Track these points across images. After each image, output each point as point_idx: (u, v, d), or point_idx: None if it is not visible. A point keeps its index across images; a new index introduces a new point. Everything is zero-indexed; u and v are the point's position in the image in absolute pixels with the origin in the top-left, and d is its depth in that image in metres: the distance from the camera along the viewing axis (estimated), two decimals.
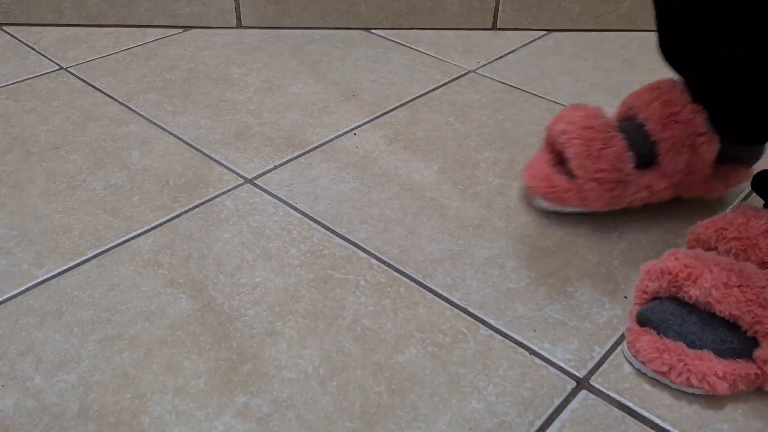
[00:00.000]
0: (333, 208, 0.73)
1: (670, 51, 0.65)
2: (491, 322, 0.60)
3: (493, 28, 1.15)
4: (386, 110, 0.92)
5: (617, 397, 0.53)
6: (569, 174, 0.68)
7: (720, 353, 0.52)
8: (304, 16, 1.14)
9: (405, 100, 0.94)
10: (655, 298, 0.57)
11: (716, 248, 0.58)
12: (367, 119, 0.89)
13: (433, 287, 0.63)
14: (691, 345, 0.53)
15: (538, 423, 0.51)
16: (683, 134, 0.64)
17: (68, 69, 1.01)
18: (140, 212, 0.72)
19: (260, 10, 1.13)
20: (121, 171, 0.79)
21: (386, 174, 0.79)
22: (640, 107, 0.67)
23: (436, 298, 0.62)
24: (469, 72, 1.02)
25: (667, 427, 0.51)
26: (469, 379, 0.54)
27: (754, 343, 0.52)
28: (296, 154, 0.82)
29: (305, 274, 0.64)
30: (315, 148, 0.84)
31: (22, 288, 0.63)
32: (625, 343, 0.56)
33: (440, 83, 0.99)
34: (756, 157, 0.70)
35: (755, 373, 0.52)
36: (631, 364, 0.55)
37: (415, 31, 1.15)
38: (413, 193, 0.76)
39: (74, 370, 0.55)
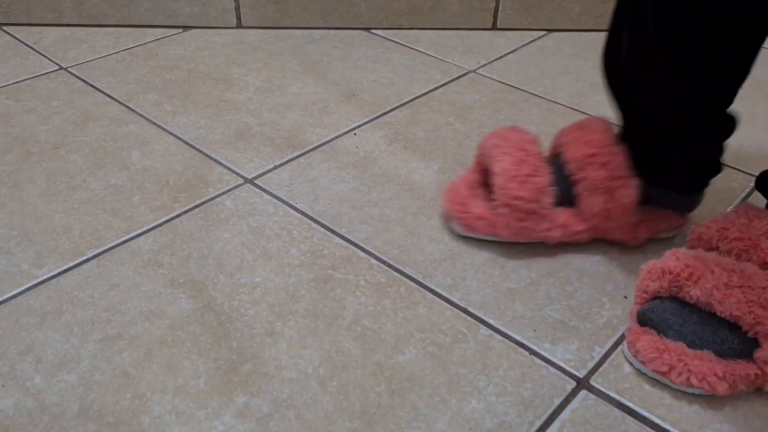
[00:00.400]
0: (333, 208, 0.73)
1: (607, 68, 0.64)
2: (491, 322, 0.60)
3: (493, 28, 1.15)
4: (386, 110, 0.92)
5: (617, 397, 0.53)
6: (488, 198, 0.67)
7: (720, 353, 0.52)
8: (304, 16, 1.14)
9: (405, 100, 0.94)
10: (655, 298, 0.57)
11: (718, 248, 0.58)
12: (367, 119, 0.89)
13: (433, 287, 0.63)
14: (692, 345, 0.53)
15: (538, 423, 0.51)
16: (600, 177, 0.63)
17: (68, 69, 1.01)
18: (140, 212, 0.72)
19: (260, 10, 1.13)
20: (121, 171, 0.79)
21: (386, 174, 0.79)
22: (565, 145, 0.66)
23: (436, 298, 0.62)
24: (469, 72, 1.02)
25: (667, 427, 0.51)
26: (469, 379, 0.54)
27: (755, 343, 0.52)
28: (296, 154, 0.82)
29: (305, 274, 0.64)
30: (315, 148, 0.84)
31: (22, 288, 0.63)
32: (625, 342, 0.56)
33: (440, 83, 0.99)
34: (691, 207, 0.67)
35: (755, 374, 0.52)
36: (631, 363, 0.55)
37: (415, 31, 1.15)
38: (413, 193, 0.76)
39: (74, 370, 0.55)
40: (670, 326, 0.54)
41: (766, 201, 0.65)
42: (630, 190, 0.62)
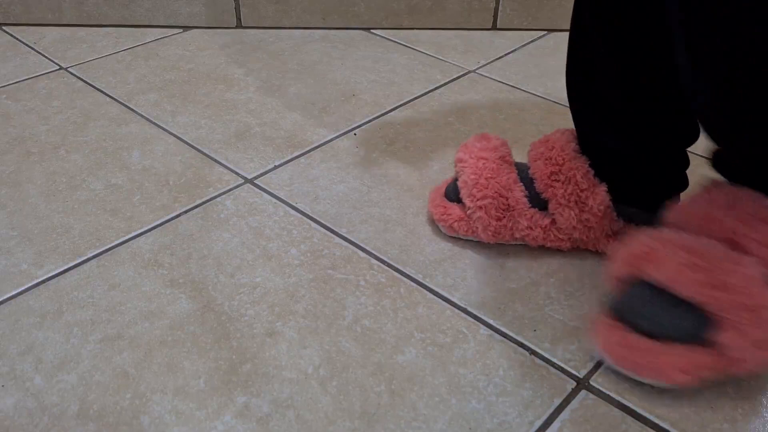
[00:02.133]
0: (333, 208, 0.73)
1: (569, 79, 0.64)
2: (491, 322, 0.60)
3: (493, 28, 1.15)
4: (386, 110, 0.92)
5: (617, 397, 0.53)
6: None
7: (684, 340, 0.51)
8: (303, 16, 1.14)
9: (405, 100, 0.94)
10: (626, 283, 0.56)
11: (684, 228, 0.57)
12: (367, 119, 0.89)
13: (433, 287, 0.63)
14: (658, 335, 0.52)
15: (538, 423, 0.51)
16: (566, 192, 0.63)
17: (68, 69, 1.01)
18: (140, 212, 0.72)
19: (260, 11, 1.13)
20: (121, 171, 0.79)
21: (386, 174, 0.79)
22: (531, 161, 0.66)
23: (436, 298, 0.62)
24: (469, 72, 1.02)
25: (667, 427, 0.51)
26: (469, 379, 0.54)
27: (718, 327, 0.51)
28: (296, 154, 0.82)
29: (305, 274, 0.64)
30: (315, 148, 0.84)
31: (22, 288, 0.63)
32: (595, 337, 0.55)
33: (440, 83, 0.99)
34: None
35: (716, 360, 0.51)
36: (603, 360, 0.55)
37: (415, 31, 1.15)
38: (413, 193, 0.76)
39: (74, 370, 0.55)
40: (639, 314, 0.53)
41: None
42: (600, 197, 0.62)
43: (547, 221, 0.64)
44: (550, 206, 0.64)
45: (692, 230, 0.55)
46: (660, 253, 0.53)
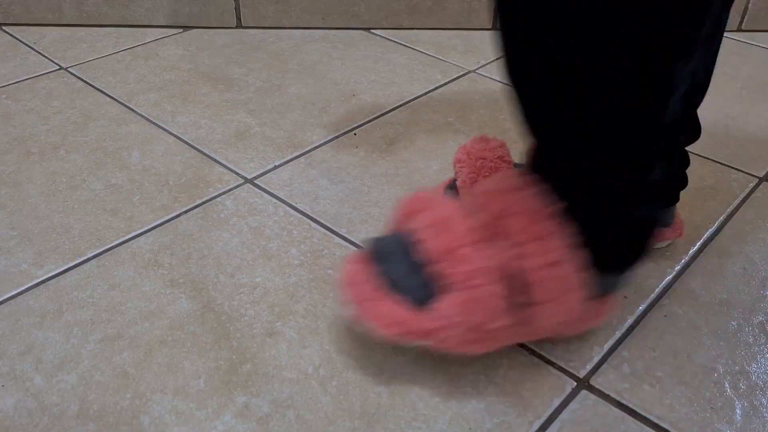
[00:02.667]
0: (333, 208, 0.73)
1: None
2: None
3: (493, 28, 1.15)
4: (386, 110, 0.92)
5: (617, 397, 0.53)
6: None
7: (417, 300, 0.50)
8: (303, 16, 1.14)
9: (405, 100, 0.94)
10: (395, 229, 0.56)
11: (472, 201, 0.56)
12: (367, 119, 0.89)
13: None
14: (392, 283, 0.51)
15: (538, 423, 0.51)
16: None
17: (68, 69, 1.01)
18: (140, 212, 0.72)
19: (260, 10, 1.13)
20: (121, 171, 0.79)
21: (386, 174, 0.79)
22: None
23: None
24: (469, 72, 1.02)
25: (667, 427, 0.51)
26: (469, 379, 0.54)
27: (439, 294, 0.50)
28: (296, 154, 0.82)
29: (305, 274, 0.64)
30: (315, 148, 0.84)
31: (22, 288, 0.63)
32: (345, 265, 0.54)
33: (440, 83, 0.99)
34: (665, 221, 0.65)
35: (430, 326, 0.50)
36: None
37: (415, 31, 1.15)
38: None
39: (74, 370, 0.55)
40: (389, 259, 0.52)
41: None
42: None
43: None
44: None
45: (473, 206, 0.54)
46: (418, 209, 0.53)
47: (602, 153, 0.48)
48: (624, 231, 0.52)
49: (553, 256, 0.50)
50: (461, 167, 0.68)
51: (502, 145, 0.69)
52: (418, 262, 0.52)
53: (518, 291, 0.50)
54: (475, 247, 0.50)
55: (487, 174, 0.65)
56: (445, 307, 0.49)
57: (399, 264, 0.52)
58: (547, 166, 0.52)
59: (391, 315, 0.50)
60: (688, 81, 0.48)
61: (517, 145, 0.81)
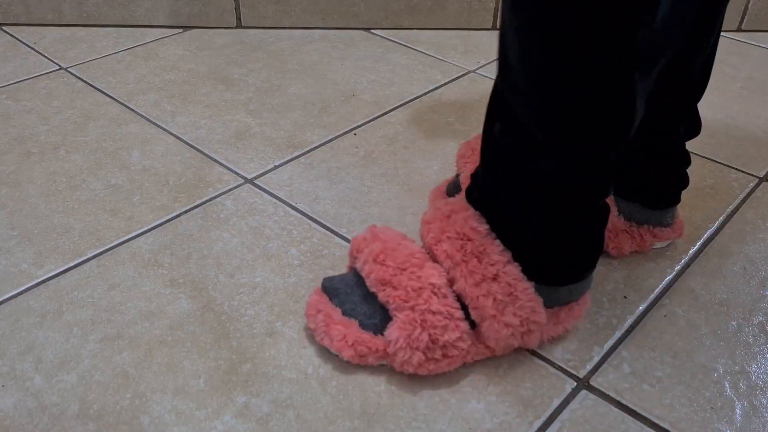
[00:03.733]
0: (333, 208, 0.73)
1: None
2: None
3: (493, 28, 1.15)
4: (386, 110, 0.92)
5: (617, 397, 0.53)
6: None
7: (365, 326, 0.54)
8: (303, 16, 1.14)
9: (405, 100, 0.94)
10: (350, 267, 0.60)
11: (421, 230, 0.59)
12: (367, 119, 0.89)
13: None
14: (345, 313, 0.55)
15: (538, 423, 0.51)
16: None
17: (68, 69, 1.01)
18: (140, 212, 0.72)
19: (260, 10, 1.13)
20: (121, 171, 0.79)
21: (386, 174, 0.79)
22: None
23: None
24: (469, 72, 1.02)
25: (666, 426, 0.51)
26: (469, 379, 0.54)
27: (389, 320, 0.54)
28: (296, 154, 0.82)
29: (305, 274, 0.64)
30: (315, 148, 0.84)
31: (22, 288, 0.63)
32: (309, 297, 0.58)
33: (440, 83, 0.99)
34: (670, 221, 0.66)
35: (383, 350, 0.53)
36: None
37: (415, 31, 1.15)
38: (413, 193, 0.76)
39: (74, 370, 0.55)
40: (338, 295, 0.56)
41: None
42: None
43: None
44: None
45: (422, 232, 0.57)
46: (364, 245, 0.57)
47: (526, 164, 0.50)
48: (560, 247, 0.53)
49: (482, 274, 0.52)
50: (465, 163, 0.68)
51: None
52: (367, 294, 0.56)
53: (464, 311, 0.53)
54: (411, 272, 0.53)
55: None
56: (392, 330, 0.52)
57: (351, 297, 0.56)
58: (480, 191, 0.55)
59: (347, 336, 0.54)
60: (655, 61, 0.47)
61: None
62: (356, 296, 0.56)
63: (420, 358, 0.52)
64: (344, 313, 0.55)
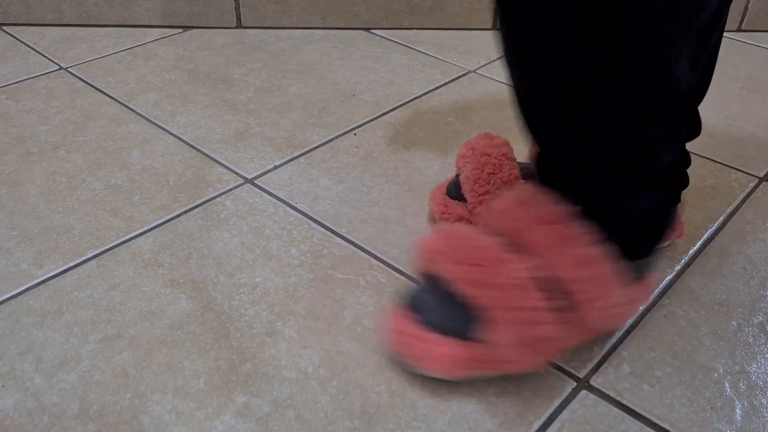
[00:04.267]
0: (333, 208, 0.73)
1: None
2: None
3: (493, 28, 1.15)
4: (386, 110, 0.92)
5: (617, 397, 0.53)
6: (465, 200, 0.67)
7: (461, 335, 0.51)
8: (303, 16, 1.14)
9: (405, 100, 0.94)
10: (423, 276, 0.56)
11: (488, 223, 0.56)
12: (367, 119, 0.89)
13: None
14: (437, 327, 0.52)
15: (538, 423, 0.51)
16: None
17: (68, 69, 1.01)
18: (140, 212, 0.72)
19: (260, 10, 1.13)
20: (121, 171, 0.79)
21: (386, 174, 0.79)
22: (533, 158, 0.66)
23: None
24: (469, 72, 1.02)
25: (666, 426, 0.51)
26: (470, 380, 0.54)
27: (486, 324, 0.51)
28: (296, 154, 0.82)
29: (305, 274, 0.64)
30: (315, 148, 0.84)
31: (22, 288, 0.63)
32: (386, 323, 0.55)
33: (440, 83, 0.99)
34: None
35: (487, 356, 0.51)
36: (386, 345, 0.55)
37: (415, 31, 1.15)
38: (413, 193, 0.76)
39: (74, 370, 0.55)
40: (427, 307, 0.53)
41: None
42: None
43: None
44: None
45: (492, 226, 0.55)
46: (445, 249, 0.53)
47: (610, 153, 0.49)
48: (642, 219, 0.53)
49: (581, 256, 0.50)
50: (465, 162, 0.68)
51: (506, 143, 0.69)
52: (454, 302, 0.52)
53: (559, 297, 0.50)
54: (505, 269, 0.51)
55: (491, 171, 0.65)
56: (497, 336, 0.50)
57: (438, 308, 0.53)
58: (554, 174, 0.53)
59: (448, 354, 0.51)
60: (692, 75, 0.48)
61: (518, 144, 0.82)
62: (442, 307, 0.53)
63: (523, 353, 0.50)
64: (437, 329, 0.52)
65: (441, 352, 0.51)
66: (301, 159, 0.81)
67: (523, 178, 0.65)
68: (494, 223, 0.54)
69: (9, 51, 1.06)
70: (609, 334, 0.59)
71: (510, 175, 0.65)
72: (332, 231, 0.70)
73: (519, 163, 0.68)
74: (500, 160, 0.66)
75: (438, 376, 0.52)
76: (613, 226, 0.51)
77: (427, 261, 0.55)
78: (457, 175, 0.69)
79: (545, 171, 0.54)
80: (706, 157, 0.83)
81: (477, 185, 0.65)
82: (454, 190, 0.68)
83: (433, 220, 0.70)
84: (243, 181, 0.77)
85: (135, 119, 0.89)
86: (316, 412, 0.52)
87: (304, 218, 0.72)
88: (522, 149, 0.74)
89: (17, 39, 1.10)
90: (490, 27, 1.15)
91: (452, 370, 0.51)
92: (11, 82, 0.97)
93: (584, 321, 0.52)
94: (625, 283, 0.53)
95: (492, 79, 1.00)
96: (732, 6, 1.13)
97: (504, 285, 0.50)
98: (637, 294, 0.55)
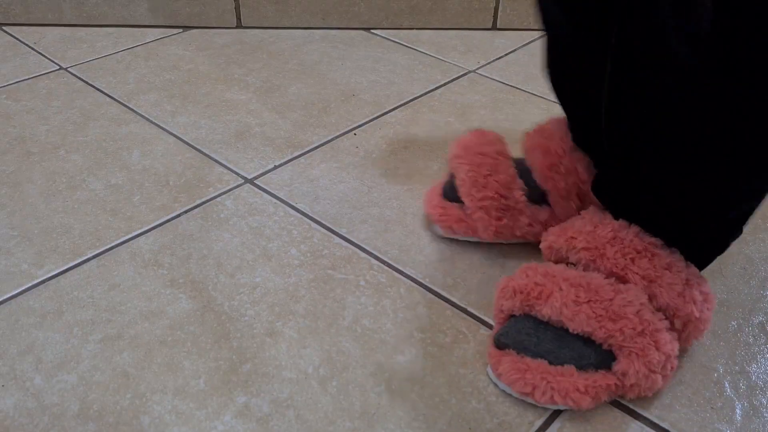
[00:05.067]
0: (333, 208, 0.73)
1: (552, 77, 0.63)
2: (491, 322, 0.60)
3: (493, 28, 1.15)
4: (386, 110, 0.92)
5: (617, 398, 0.53)
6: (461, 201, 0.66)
7: (580, 368, 0.51)
8: (304, 16, 1.14)
9: (405, 100, 0.94)
10: (511, 316, 0.56)
11: (567, 258, 0.57)
12: (367, 119, 0.89)
13: (433, 287, 0.63)
14: (552, 362, 0.52)
15: (539, 423, 0.51)
16: (566, 185, 0.63)
17: (68, 69, 1.01)
18: (140, 212, 0.72)
19: (260, 10, 1.13)
20: (121, 171, 0.79)
21: (386, 174, 0.79)
22: (527, 152, 0.66)
23: (436, 298, 0.62)
24: (469, 72, 1.02)
25: (667, 427, 0.51)
26: (470, 380, 0.54)
27: (611, 355, 0.52)
28: (296, 154, 0.82)
29: (305, 274, 0.64)
30: (315, 148, 0.84)
31: (22, 288, 0.63)
32: (488, 366, 0.55)
33: (440, 83, 0.99)
34: None
35: (615, 384, 0.51)
36: (496, 385, 0.54)
37: (415, 31, 1.15)
38: (413, 193, 0.76)
39: (74, 370, 0.55)
40: (526, 347, 0.53)
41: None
42: None
43: (545, 215, 0.64)
44: (550, 198, 0.64)
45: (575, 261, 0.56)
46: (549, 289, 0.53)
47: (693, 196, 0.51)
48: (715, 235, 0.55)
49: (679, 283, 0.53)
50: (459, 163, 0.67)
51: (500, 139, 0.68)
52: (563, 335, 0.53)
53: (668, 319, 0.53)
54: (619, 300, 0.52)
55: (488, 173, 0.64)
56: (626, 361, 0.51)
57: (544, 344, 0.53)
58: (631, 207, 0.55)
59: (577, 386, 0.51)
60: None
61: (518, 145, 0.82)
62: (548, 342, 0.53)
63: (658, 379, 0.51)
64: (554, 361, 0.52)
65: (569, 383, 0.51)
66: (301, 159, 0.81)
67: (520, 176, 0.65)
68: (582, 258, 0.56)
69: (9, 51, 1.06)
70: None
71: (507, 175, 0.64)
72: (332, 231, 0.70)
73: (514, 160, 0.67)
74: (496, 159, 0.65)
75: (561, 407, 0.52)
76: (693, 249, 0.55)
77: (523, 303, 0.54)
78: (452, 176, 0.69)
79: (619, 202, 0.56)
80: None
81: (474, 189, 0.64)
82: (450, 192, 0.67)
83: (429, 223, 0.70)
84: (243, 181, 0.77)
85: (135, 119, 0.89)
86: (317, 412, 0.52)
87: (304, 218, 0.72)
88: (520, 150, 0.74)
89: (17, 39, 1.10)
90: (490, 27, 1.15)
91: (585, 401, 0.51)
92: (11, 82, 0.97)
93: (684, 340, 0.54)
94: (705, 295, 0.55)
95: (492, 79, 1.00)
96: None
97: (624, 313, 0.51)
98: (712, 303, 0.56)
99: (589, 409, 0.52)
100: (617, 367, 0.51)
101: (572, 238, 0.56)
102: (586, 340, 0.52)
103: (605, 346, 0.52)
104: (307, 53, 1.07)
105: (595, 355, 0.52)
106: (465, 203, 0.65)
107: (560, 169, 0.63)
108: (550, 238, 0.58)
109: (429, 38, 1.12)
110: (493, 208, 0.63)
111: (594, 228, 0.56)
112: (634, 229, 0.55)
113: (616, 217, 0.56)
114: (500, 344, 0.54)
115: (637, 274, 0.53)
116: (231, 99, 0.94)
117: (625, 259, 0.53)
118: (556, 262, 0.58)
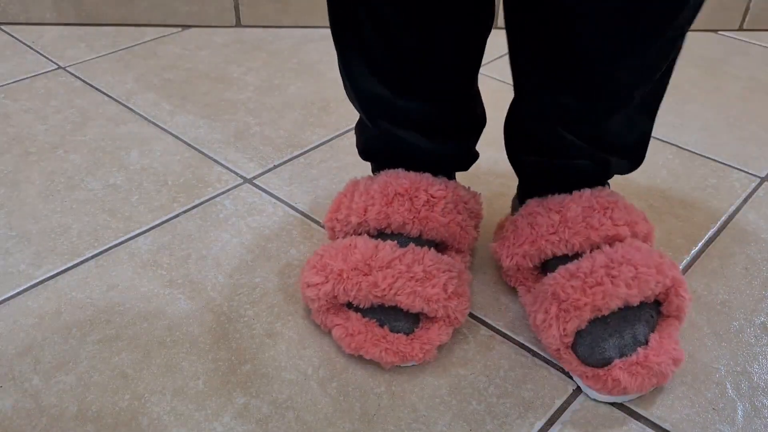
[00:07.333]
0: None
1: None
2: (492, 323, 0.60)
3: (494, 27, 1.14)
4: None
5: (618, 398, 0.53)
6: None
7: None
8: (303, 15, 1.14)
9: None
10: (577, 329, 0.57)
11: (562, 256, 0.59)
12: None
13: None
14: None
15: (539, 424, 0.51)
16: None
17: (67, 68, 1.01)
18: (139, 212, 0.72)
19: (259, 9, 1.13)
20: (120, 171, 0.79)
21: None
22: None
23: None
24: None
25: (668, 428, 0.51)
26: (470, 380, 0.54)
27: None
28: (296, 153, 0.82)
29: None
30: (315, 148, 0.83)
31: (21, 288, 0.63)
32: (589, 386, 0.53)
33: None
34: None
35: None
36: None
37: None
38: None
39: (73, 371, 0.55)
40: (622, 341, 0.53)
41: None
42: None
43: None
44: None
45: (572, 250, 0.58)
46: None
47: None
48: None
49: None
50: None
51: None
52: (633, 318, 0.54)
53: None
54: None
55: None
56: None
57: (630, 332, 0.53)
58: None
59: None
60: None
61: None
62: (628, 325, 0.54)
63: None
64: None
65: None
66: (301, 159, 0.81)
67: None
68: (576, 245, 0.57)
69: (7, 50, 1.06)
70: None
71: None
72: None
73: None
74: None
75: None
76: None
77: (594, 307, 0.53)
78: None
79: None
80: (707, 157, 0.82)
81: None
82: None
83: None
84: (242, 180, 0.77)
85: (134, 119, 0.89)
86: (316, 413, 0.52)
87: (304, 218, 0.71)
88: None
89: (15, 38, 1.10)
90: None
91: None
92: (9, 82, 0.97)
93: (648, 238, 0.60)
94: None
95: (492, 78, 1.00)
96: (733, 5, 1.13)
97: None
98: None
99: (580, 405, 0.52)
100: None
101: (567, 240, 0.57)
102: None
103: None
104: (306, 52, 1.07)
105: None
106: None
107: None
108: (519, 259, 0.59)
109: None
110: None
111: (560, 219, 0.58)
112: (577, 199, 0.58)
113: (528, 193, 0.62)
114: (586, 359, 0.54)
115: (625, 226, 0.57)
116: (230, 98, 0.94)
117: (607, 219, 0.57)
118: (543, 267, 0.59)
